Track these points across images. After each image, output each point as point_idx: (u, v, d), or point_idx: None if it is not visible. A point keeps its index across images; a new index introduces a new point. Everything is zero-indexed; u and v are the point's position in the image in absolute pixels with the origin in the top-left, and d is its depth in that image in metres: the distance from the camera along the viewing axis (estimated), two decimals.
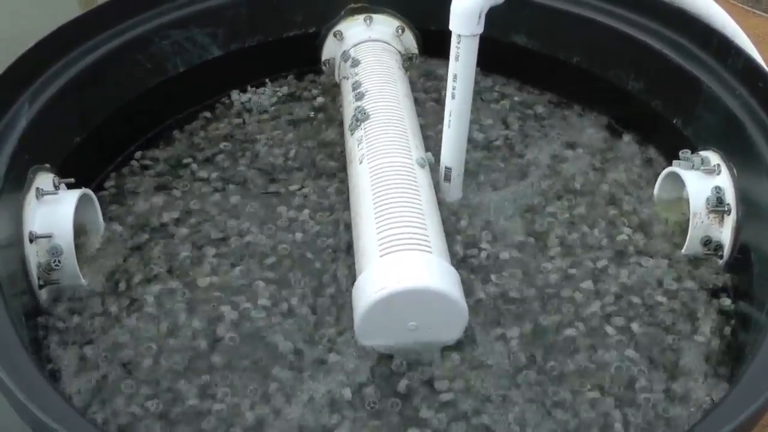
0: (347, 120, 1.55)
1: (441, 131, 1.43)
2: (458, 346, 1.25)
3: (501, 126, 1.72)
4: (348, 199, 1.45)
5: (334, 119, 1.72)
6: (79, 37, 1.51)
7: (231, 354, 1.26)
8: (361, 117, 1.49)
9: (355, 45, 1.73)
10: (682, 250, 1.40)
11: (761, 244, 1.29)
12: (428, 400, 1.20)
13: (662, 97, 1.59)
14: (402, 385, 1.21)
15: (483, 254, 1.41)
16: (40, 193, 1.30)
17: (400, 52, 1.76)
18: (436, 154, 1.46)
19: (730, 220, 1.35)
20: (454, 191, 1.48)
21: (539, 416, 1.18)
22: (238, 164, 1.62)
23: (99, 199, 1.45)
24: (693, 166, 1.41)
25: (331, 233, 1.45)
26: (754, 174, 1.33)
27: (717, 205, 1.35)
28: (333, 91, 1.80)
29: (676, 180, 1.44)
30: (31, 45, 1.40)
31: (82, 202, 1.34)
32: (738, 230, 1.33)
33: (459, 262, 1.38)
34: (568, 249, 1.44)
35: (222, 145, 1.67)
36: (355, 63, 1.67)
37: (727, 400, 1.01)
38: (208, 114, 1.75)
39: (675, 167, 1.43)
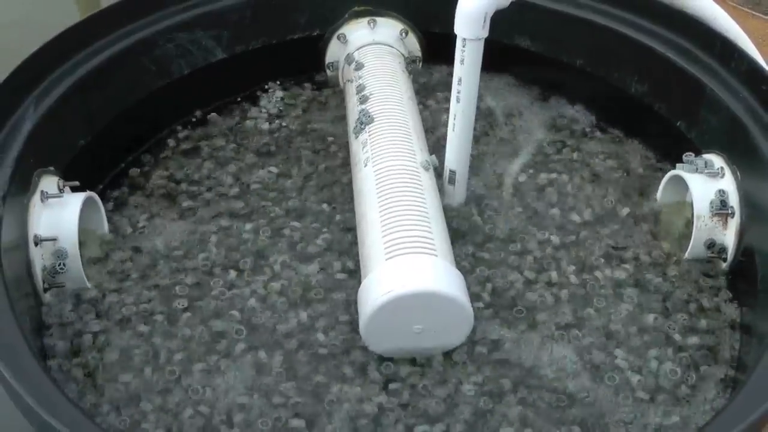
0: (351, 123, 1.56)
1: (445, 134, 1.43)
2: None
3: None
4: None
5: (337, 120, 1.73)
6: (84, 41, 1.51)
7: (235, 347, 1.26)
8: (365, 120, 1.49)
9: (359, 48, 1.73)
10: (686, 253, 1.40)
11: (765, 247, 1.29)
12: None
13: (666, 100, 1.59)
14: None
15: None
16: (45, 196, 1.30)
17: (403, 55, 1.76)
18: (441, 157, 1.46)
19: (733, 223, 1.35)
20: (458, 194, 1.48)
21: None
22: (243, 167, 1.62)
23: (103, 202, 1.45)
24: (696, 169, 1.41)
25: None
26: (757, 177, 1.33)
27: (721, 208, 1.35)
28: (337, 93, 1.80)
29: (680, 183, 1.44)
30: (36, 49, 1.40)
31: (86, 205, 1.34)
32: (742, 233, 1.34)
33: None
34: (568, 251, 1.44)
35: (227, 147, 1.67)
36: (359, 66, 1.67)
37: (733, 403, 1.02)
38: (213, 116, 1.75)
39: (678, 170, 1.43)
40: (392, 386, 1.22)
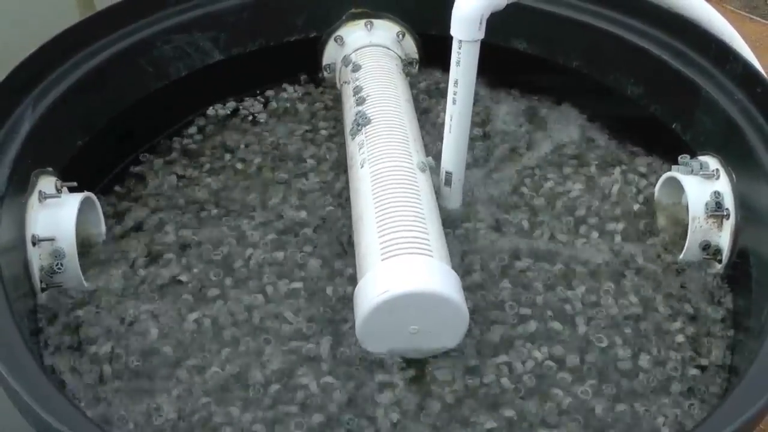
0: (348, 124, 1.56)
1: (442, 136, 1.44)
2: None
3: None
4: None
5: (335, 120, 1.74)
6: (81, 42, 1.51)
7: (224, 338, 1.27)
8: (362, 121, 1.50)
9: (356, 50, 1.74)
10: (681, 255, 1.41)
11: (760, 249, 1.30)
12: None
13: (661, 102, 1.60)
14: None
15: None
16: (43, 197, 1.30)
17: (400, 57, 1.77)
18: (437, 159, 1.47)
19: (728, 225, 1.35)
20: (454, 196, 1.49)
21: None
22: (241, 169, 1.63)
23: (101, 202, 1.45)
24: (692, 170, 1.41)
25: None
26: (752, 178, 1.34)
27: (716, 210, 1.36)
28: (334, 94, 1.81)
29: (675, 185, 1.44)
30: (34, 50, 1.41)
31: (84, 205, 1.35)
32: (737, 235, 1.34)
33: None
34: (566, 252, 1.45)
35: (225, 150, 1.67)
36: (356, 68, 1.67)
37: (727, 403, 1.02)
38: (211, 118, 1.76)
39: (674, 172, 1.44)
40: None
